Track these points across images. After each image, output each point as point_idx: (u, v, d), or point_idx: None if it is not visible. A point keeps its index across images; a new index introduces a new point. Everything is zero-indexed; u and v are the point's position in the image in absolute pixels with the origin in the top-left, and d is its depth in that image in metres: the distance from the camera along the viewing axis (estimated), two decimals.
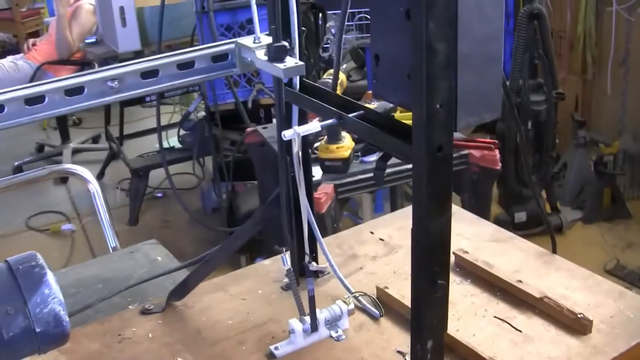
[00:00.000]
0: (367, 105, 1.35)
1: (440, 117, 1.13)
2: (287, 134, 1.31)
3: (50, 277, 1.20)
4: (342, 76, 2.87)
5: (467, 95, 1.15)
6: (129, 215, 4.81)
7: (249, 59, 1.46)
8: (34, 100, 1.35)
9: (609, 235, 4.26)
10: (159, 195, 5.27)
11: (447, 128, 1.15)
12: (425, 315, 1.27)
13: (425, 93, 1.11)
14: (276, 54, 1.38)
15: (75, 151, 5.88)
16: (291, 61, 1.37)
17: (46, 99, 1.35)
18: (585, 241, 4.21)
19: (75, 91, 1.37)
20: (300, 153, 1.36)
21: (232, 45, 1.49)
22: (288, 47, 1.38)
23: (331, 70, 2.96)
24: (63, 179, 5.48)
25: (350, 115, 1.31)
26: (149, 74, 1.43)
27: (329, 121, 1.33)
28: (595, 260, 3.93)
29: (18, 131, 6.36)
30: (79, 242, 4.68)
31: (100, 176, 5.54)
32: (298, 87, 1.47)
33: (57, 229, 4.86)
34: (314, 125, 1.33)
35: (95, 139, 6.22)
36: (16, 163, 5.62)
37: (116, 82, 1.40)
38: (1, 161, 5.74)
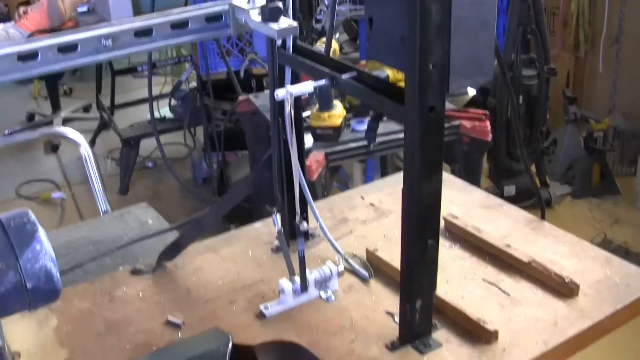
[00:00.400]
0: None
1: (433, 78, 1.14)
2: (279, 94, 1.31)
3: (41, 233, 1.20)
4: (334, 45, 2.86)
5: (460, 58, 1.16)
6: (120, 184, 4.81)
7: (243, 20, 1.45)
8: (27, 57, 1.34)
9: (597, 210, 4.28)
10: (150, 165, 5.26)
11: (439, 90, 1.15)
12: (414, 275, 1.28)
13: (418, 54, 1.12)
14: (270, 14, 1.37)
15: (66, 120, 5.84)
16: (285, 22, 1.37)
17: (39, 56, 1.35)
18: (573, 216, 4.24)
19: (68, 48, 1.36)
20: (292, 114, 1.36)
21: (226, 6, 1.49)
22: (282, 8, 1.38)
23: (324, 39, 2.96)
24: (53, 147, 5.46)
25: (343, 76, 1.32)
26: (143, 33, 1.43)
27: (322, 81, 1.34)
28: (583, 235, 3.89)
29: (8, 101, 6.35)
30: (69, 210, 4.68)
31: (91, 145, 5.51)
32: (291, 49, 1.47)
33: (47, 197, 4.84)
34: (307, 86, 1.33)
35: (86, 109, 6.19)
36: (7, 132, 5.59)
37: (110, 41, 1.39)
38: None
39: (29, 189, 4.97)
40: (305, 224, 1.47)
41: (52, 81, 5.76)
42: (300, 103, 1.58)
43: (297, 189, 1.47)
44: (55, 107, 5.83)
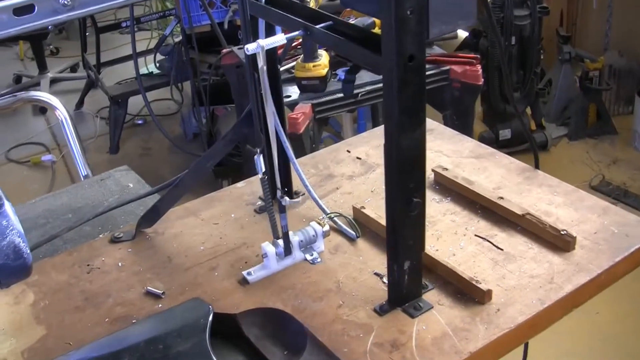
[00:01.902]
0: None
1: (410, 24, 1.06)
2: (250, 48, 1.23)
3: (7, 208, 1.13)
4: None
5: (439, 1, 1.07)
6: (110, 143, 4.75)
7: None
8: None
9: (594, 151, 4.23)
10: (140, 122, 5.20)
11: (418, 36, 1.08)
12: (400, 235, 1.22)
13: None
14: None
15: (54, 81, 5.77)
16: None
17: None
18: (570, 158, 4.18)
19: (24, 10, 1.28)
20: (265, 68, 1.28)
21: None
22: None
23: None
24: (42, 109, 5.39)
25: (317, 26, 1.24)
26: None
27: (295, 33, 1.26)
28: (581, 176, 3.91)
29: None
30: (60, 173, 4.63)
31: (79, 105, 5.45)
32: None
33: (37, 160, 4.79)
34: (279, 38, 1.25)
35: (73, 68, 6.10)
36: None
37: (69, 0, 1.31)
38: None
39: (18, 153, 4.91)
40: (287, 199, 1.40)
41: (37, 41, 5.66)
42: (275, 56, 1.50)
43: (276, 148, 1.40)
44: (42, 67, 5.75)
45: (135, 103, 4.82)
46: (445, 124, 2.83)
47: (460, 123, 2.84)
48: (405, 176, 1.16)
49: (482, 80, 2.79)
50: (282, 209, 1.38)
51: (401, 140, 1.13)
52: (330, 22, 1.24)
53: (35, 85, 5.65)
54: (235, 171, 3.97)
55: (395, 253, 1.24)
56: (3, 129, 5.17)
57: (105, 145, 4.79)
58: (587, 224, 1.46)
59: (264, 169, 1.37)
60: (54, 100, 2.13)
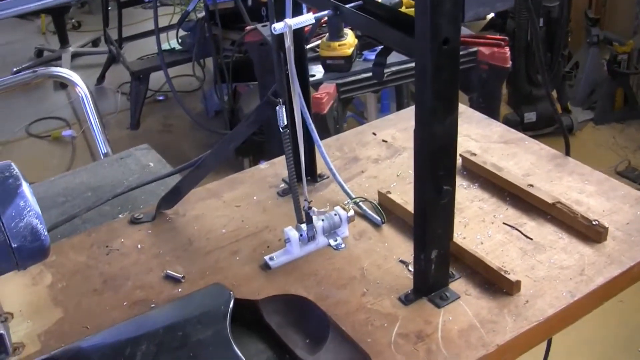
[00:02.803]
0: None
1: (446, 5, 1.01)
2: (277, 27, 1.19)
3: (25, 188, 1.10)
4: None
5: None
6: (130, 119, 4.73)
7: None
8: None
9: (620, 136, 4.16)
10: (161, 98, 5.17)
11: (454, 18, 1.03)
12: (429, 224, 1.18)
13: None
14: None
15: (75, 55, 5.75)
16: None
17: None
18: (595, 143, 4.11)
19: None
20: (292, 48, 1.24)
21: None
22: None
23: None
24: (63, 84, 5.37)
25: (347, 5, 1.20)
26: None
27: (324, 12, 1.22)
28: (606, 162, 3.84)
29: (16, 37, 6.24)
30: (80, 149, 4.61)
31: (100, 80, 5.43)
32: None
33: (57, 135, 4.78)
34: (307, 17, 1.21)
35: (94, 42, 6.07)
36: (14, 69, 5.48)
37: None
38: (0, 67, 5.62)
39: (39, 128, 4.91)
40: (314, 209, 1.37)
41: (59, 15, 5.63)
42: (302, 35, 1.46)
43: (301, 131, 1.35)
44: (64, 42, 5.72)
45: (156, 79, 4.79)
46: (471, 106, 2.78)
47: (487, 106, 2.79)
48: (436, 164, 1.12)
49: (510, 63, 2.73)
50: (309, 220, 1.36)
51: (433, 127, 1.09)
52: (360, 2, 1.20)
53: (57, 59, 5.62)
54: (257, 149, 3.94)
55: (422, 242, 1.20)
56: (24, 104, 5.15)
57: (125, 120, 4.77)
58: (620, 214, 1.41)
59: (285, 122, 1.33)
60: (74, 76, 2.10)
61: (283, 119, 1.33)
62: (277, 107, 1.32)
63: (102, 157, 2.05)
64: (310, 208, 1.36)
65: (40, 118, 4.99)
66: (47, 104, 5.20)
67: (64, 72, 2.16)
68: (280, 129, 1.33)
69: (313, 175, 1.62)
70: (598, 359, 2.80)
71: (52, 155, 4.57)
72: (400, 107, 3.54)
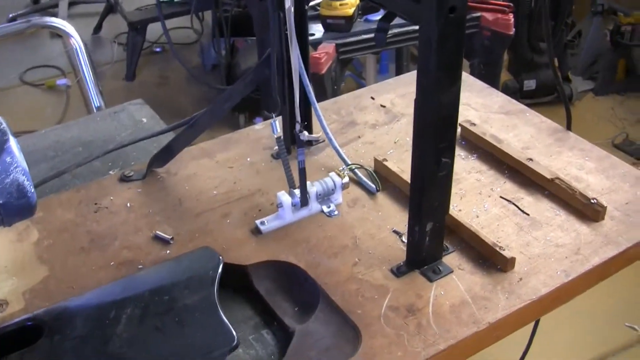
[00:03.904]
0: None
1: None
2: None
3: (12, 143, 1.07)
4: None
5: None
6: (126, 70, 4.66)
7: None
8: None
9: (620, 108, 4.12)
10: (158, 50, 5.10)
11: None
12: (426, 196, 1.15)
13: None
14: None
15: (72, 3, 5.65)
16: None
17: None
18: (594, 113, 4.07)
19: None
20: (292, 8, 1.20)
21: None
22: None
23: None
24: None
25: None
26: None
27: None
28: (604, 134, 3.81)
29: None
30: (74, 98, 4.55)
31: (97, 30, 5.35)
32: None
33: (52, 84, 4.71)
34: None
35: None
36: (10, 15, 5.40)
37: None
38: None
39: (33, 75, 4.83)
40: (305, 133, 1.33)
41: None
42: None
43: (298, 91, 1.32)
44: None
45: (154, 30, 4.71)
46: (472, 73, 2.75)
47: (488, 72, 2.75)
48: (437, 135, 1.09)
49: (514, 30, 2.69)
50: (300, 143, 1.32)
51: (436, 97, 1.05)
52: None
53: (54, 6, 5.52)
54: (253, 106, 3.90)
55: (418, 214, 1.18)
56: (19, 51, 5.07)
57: (121, 71, 4.70)
58: (619, 194, 1.39)
59: (279, 132, 1.32)
60: (67, 26, 2.05)
61: (277, 129, 1.32)
62: (271, 121, 1.30)
63: (95, 111, 2.01)
64: (301, 131, 1.32)
65: (35, 66, 4.92)
66: (43, 52, 5.12)
67: (58, 22, 2.11)
68: (274, 138, 1.32)
69: (308, 143, 1.58)
70: (586, 332, 2.80)
71: (46, 104, 4.51)
72: (399, 69, 3.50)
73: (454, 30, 1.00)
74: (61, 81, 4.70)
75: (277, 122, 1.33)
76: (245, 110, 4.05)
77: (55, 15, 5.34)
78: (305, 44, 1.45)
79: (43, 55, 5.06)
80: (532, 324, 1.67)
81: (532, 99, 3.90)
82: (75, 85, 4.64)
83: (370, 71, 3.61)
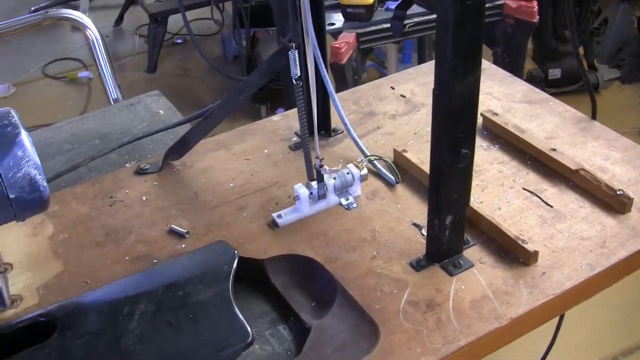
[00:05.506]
0: None
1: None
2: None
3: (24, 137, 1.05)
4: None
5: None
6: (147, 62, 4.66)
7: None
8: None
9: None
10: (179, 41, 5.09)
11: None
12: (444, 188, 1.12)
13: None
14: None
15: None
16: None
17: None
18: (621, 102, 4.01)
19: None
20: None
21: None
22: None
23: None
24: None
25: None
26: None
27: None
28: (631, 122, 3.75)
29: None
30: (96, 90, 4.55)
31: (118, 22, 5.35)
32: None
33: (74, 76, 4.72)
34: None
35: None
36: (32, 8, 5.41)
37: None
38: (18, 6, 5.54)
39: (55, 68, 4.84)
40: (326, 167, 1.30)
41: None
42: None
43: (314, 83, 1.29)
44: None
45: (175, 21, 4.70)
46: (495, 61, 2.71)
47: (511, 61, 2.71)
48: (455, 125, 1.06)
49: (537, 17, 2.64)
50: (320, 178, 1.30)
51: (453, 87, 1.02)
52: None
53: None
54: (274, 97, 3.87)
55: (437, 206, 1.15)
56: (41, 44, 5.08)
57: (143, 63, 4.70)
58: None
59: (298, 73, 1.26)
60: (84, 19, 2.04)
61: (296, 67, 1.26)
62: (290, 52, 1.25)
63: (112, 103, 1.99)
64: (322, 166, 1.31)
65: (57, 59, 4.93)
66: (65, 45, 5.13)
67: (75, 14, 2.09)
68: (293, 80, 1.27)
69: (327, 130, 1.56)
70: (611, 325, 2.75)
71: (68, 97, 4.52)
72: (421, 59, 3.45)
73: (472, 17, 0.97)
74: (83, 73, 4.70)
75: (296, 55, 1.25)
76: (266, 101, 4.04)
77: (76, 7, 5.34)
78: (322, 33, 1.42)
79: (65, 47, 5.07)
80: (556, 318, 1.63)
81: (557, 87, 3.85)
82: (97, 78, 4.64)
83: (391, 61, 3.57)
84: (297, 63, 1.24)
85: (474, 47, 1.00)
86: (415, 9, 2.53)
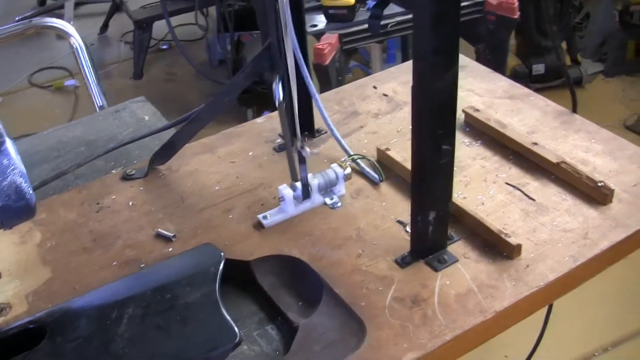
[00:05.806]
0: None
1: None
2: None
3: (9, 145, 1.05)
4: None
5: None
6: (133, 68, 4.66)
7: None
8: None
9: (631, 89, 4.08)
10: (164, 47, 5.10)
11: None
12: (427, 185, 1.14)
13: None
14: None
15: (78, 4, 5.66)
16: None
17: None
18: (605, 95, 4.03)
19: None
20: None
21: None
22: None
23: None
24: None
25: None
26: None
27: None
28: (615, 115, 3.77)
29: None
30: (83, 98, 4.55)
31: (103, 29, 5.36)
32: None
33: (60, 85, 4.72)
34: None
35: None
36: (17, 18, 5.40)
37: None
38: (3, 16, 5.53)
39: (41, 77, 4.84)
40: (307, 150, 1.31)
41: None
42: None
43: (295, 84, 1.30)
44: None
45: (160, 27, 4.71)
46: (478, 58, 2.72)
47: (494, 58, 2.72)
48: (435, 121, 1.07)
49: (519, 13, 2.65)
50: (302, 160, 1.30)
51: (432, 83, 1.03)
52: None
53: (60, 7, 5.53)
54: (261, 100, 3.88)
55: (420, 203, 1.16)
56: (26, 53, 5.08)
57: (129, 70, 4.71)
58: (627, 175, 1.36)
59: (282, 97, 1.28)
60: (68, 27, 2.04)
61: (280, 94, 1.28)
62: (273, 84, 1.27)
63: (98, 110, 2.00)
64: (302, 147, 1.30)
65: (43, 68, 4.93)
66: (50, 53, 5.12)
67: (58, 22, 2.09)
68: (276, 104, 1.28)
69: (311, 131, 1.57)
70: (601, 315, 2.77)
71: (55, 105, 4.52)
72: (405, 58, 3.47)
73: (449, 12, 0.98)
74: (69, 82, 4.71)
75: (280, 86, 1.28)
76: (253, 105, 4.04)
77: (61, 16, 5.34)
78: (303, 34, 1.43)
79: (50, 56, 5.07)
80: (545, 310, 1.65)
81: (541, 83, 3.88)
82: (83, 86, 4.63)
83: (376, 61, 3.58)
84: (280, 92, 1.26)
85: (452, 41, 1.02)
86: (396, 8, 2.56)
